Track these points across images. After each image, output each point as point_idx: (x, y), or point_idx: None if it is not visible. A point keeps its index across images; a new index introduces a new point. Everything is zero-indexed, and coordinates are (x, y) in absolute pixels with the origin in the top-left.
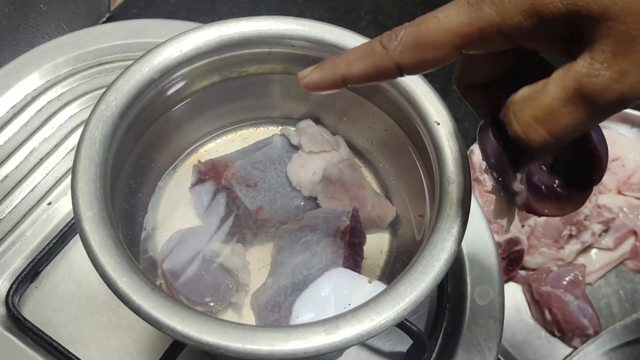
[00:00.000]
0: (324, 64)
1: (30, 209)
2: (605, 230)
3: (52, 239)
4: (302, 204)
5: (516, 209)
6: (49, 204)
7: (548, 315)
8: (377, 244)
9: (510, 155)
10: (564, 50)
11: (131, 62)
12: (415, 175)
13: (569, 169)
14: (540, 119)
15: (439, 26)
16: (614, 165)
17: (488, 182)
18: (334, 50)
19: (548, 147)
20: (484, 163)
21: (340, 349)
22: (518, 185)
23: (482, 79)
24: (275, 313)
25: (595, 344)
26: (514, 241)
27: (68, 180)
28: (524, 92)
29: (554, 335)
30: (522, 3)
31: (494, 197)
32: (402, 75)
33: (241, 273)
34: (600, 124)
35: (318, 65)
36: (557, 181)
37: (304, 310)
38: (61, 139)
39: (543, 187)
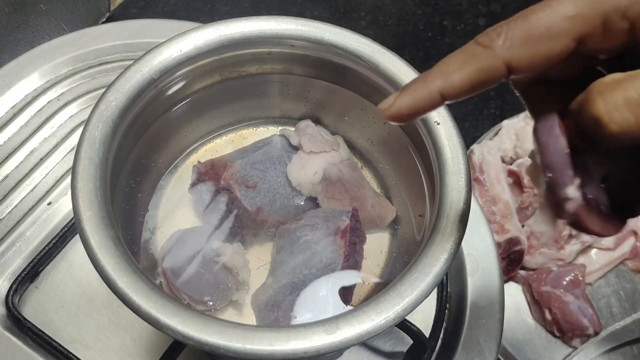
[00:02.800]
0: (410, 85)
1: (30, 209)
2: None
3: (52, 239)
4: (302, 204)
5: (555, 224)
6: (49, 204)
7: (548, 315)
8: (377, 244)
9: (571, 155)
10: None
11: (131, 62)
12: (415, 175)
13: (615, 191)
14: (632, 102)
15: (554, 13)
16: None
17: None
18: (334, 50)
19: (627, 136)
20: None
21: (340, 349)
22: (574, 191)
23: (550, 76)
24: (274, 312)
25: (595, 344)
26: (514, 241)
27: (68, 180)
28: (616, 76)
29: (554, 335)
30: None
31: (493, 197)
32: (508, 78)
33: (241, 272)
34: None
35: (402, 89)
36: (603, 200)
37: (302, 311)
38: (61, 139)
39: (593, 201)
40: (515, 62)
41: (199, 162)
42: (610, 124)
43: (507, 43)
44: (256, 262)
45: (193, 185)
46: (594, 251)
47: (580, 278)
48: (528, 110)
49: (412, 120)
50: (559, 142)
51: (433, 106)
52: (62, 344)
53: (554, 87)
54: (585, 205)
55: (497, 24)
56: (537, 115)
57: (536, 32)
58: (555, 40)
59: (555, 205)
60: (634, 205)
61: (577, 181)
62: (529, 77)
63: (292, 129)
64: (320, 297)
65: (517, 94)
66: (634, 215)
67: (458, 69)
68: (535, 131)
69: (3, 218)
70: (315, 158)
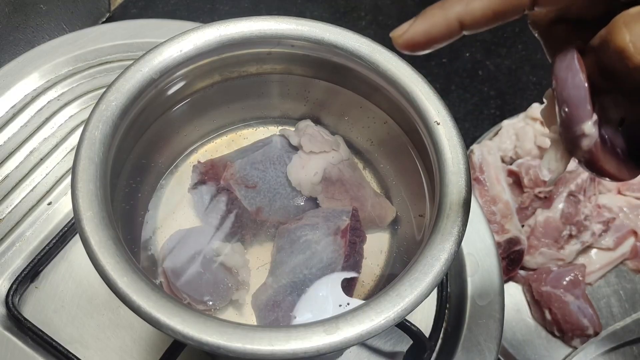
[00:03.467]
0: (427, 11)
1: (30, 209)
2: (605, 230)
3: (52, 239)
4: (302, 204)
5: (567, 162)
6: (49, 204)
7: (548, 315)
8: (377, 244)
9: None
10: None
11: (131, 62)
12: (415, 175)
13: (632, 136)
14: None
15: None
16: None
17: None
18: (334, 50)
19: None
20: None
21: (340, 349)
22: (591, 127)
23: (571, 14)
24: (274, 312)
25: (595, 344)
26: (514, 241)
27: (68, 180)
28: None
29: (554, 335)
30: None
31: (493, 197)
32: (532, 9)
33: (241, 271)
34: None
35: (418, 15)
36: (620, 143)
37: (302, 310)
38: (61, 139)
39: (609, 141)
40: None
41: (199, 162)
42: (635, 55)
43: None
44: (256, 262)
45: (193, 185)
46: (594, 251)
47: (580, 278)
48: (546, 51)
49: (426, 49)
50: (578, 75)
51: (450, 35)
52: (62, 343)
53: (574, 26)
54: (601, 144)
55: None
56: (554, 55)
57: None
58: None
59: (570, 142)
60: None
61: (594, 117)
62: (549, 15)
63: (292, 129)
64: (320, 297)
65: (536, 35)
66: None
67: None
68: (554, 66)
69: (3, 218)
70: (315, 158)
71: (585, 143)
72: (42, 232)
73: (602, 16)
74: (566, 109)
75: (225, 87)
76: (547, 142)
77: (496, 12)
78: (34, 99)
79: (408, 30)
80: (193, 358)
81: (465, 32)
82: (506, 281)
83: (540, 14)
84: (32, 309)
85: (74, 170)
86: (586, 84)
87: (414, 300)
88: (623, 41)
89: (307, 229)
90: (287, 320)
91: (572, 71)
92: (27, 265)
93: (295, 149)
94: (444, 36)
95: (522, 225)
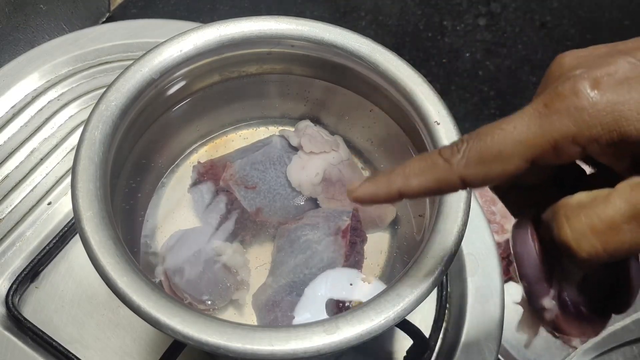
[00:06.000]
0: (377, 178)
1: (30, 209)
2: None
3: (52, 239)
4: (302, 204)
5: (538, 328)
6: (49, 204)
7: None
8: (377, 244)
9: (545, 266)
10: (631, 168)
11: (131, 62)
12: None
13: (595, 291)
14: (597, 230)
15: (506, 138)
16: None
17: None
18: (334, 50)
19: (596, 261)
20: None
21: (340, 349)
22: (550, 302)
23: (524, 182)
24: (274, 312)
25: (595, 344)
26: None
27: (68, 180)
28: (581, 197)
29: (554, 335)
30: (604, 117)
31: (493, 197)
32: (464, 189)
33: (241, 271)
34: None
35: (369, 178)
36: (583, 301)
37: (302, 310)
38: (61, 139)
39: (571, 306)
40: (470, 178)
41: (198, 162)
42: (578, 251)
43: (463, 161)
44: (256, 262)
45: (193, 185)
46: None
47: None
48: (508, 210)
49: (371, 205)
50: (532, 255)
51: (390, 200)
52: (62, 343)
53: (530, 191)
54: (562, 313)
55: (460, 138)
56: (516, 216)
57: (489, 153)
58: (507, 161)
59: (534, 313)
60: (615, 302)
61: (552, 292)
62: (502, 184)
63: (292, 129)
64: (320, 297)
65: (496, 196)
66: (616, 312)
67: (418, 174)
68: (511, 238)
69: (3, 218)
70: (315, 159)
71: (547, 316)
72: (42, 232)
73: (555, 175)
74: (525, 284)
75: (225, 87)
76: None
77: (430, 190)
78: (34, 99)
79: (358, 189)
80: (193, 358)
81: (405, 199)
82: (506, 281)
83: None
84: (32, 309)
85: (74, 170)
86: (539, 263)
87: (414, 300)
88: (566, 237)
89: (307, 229)
90: (287, 319)
91: (527, 248)
92: (27, 265)
93: (295, 149)
94: (385, 201)
95: None
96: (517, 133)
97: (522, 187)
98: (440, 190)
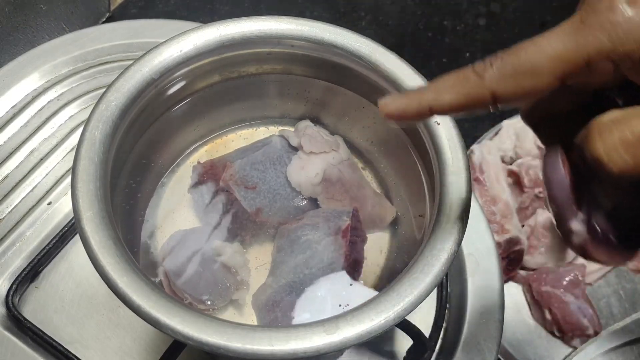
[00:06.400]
0: (409, 93)
1: (30, 209)
2: None
3: (52, 239)
4: (302, 205)
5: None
6: (49, 204)
7: (548, 315)
8: (377, 244)
9: (575, 192)
10: None
11: (131, 62)
12: (415, 175)
13: (624, 222)
14: (629, 143)
15: (541, 52)
16: None
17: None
18: (334, 50)
19: (627, 178)
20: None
21: (340, 349)
22: (577, 225)
23: (557, 110)
24: (274, 312)
25: (595, 344)
26: (514, 241)
27: (68, 180)
28: (614, 114)
29: (554, 335)
30: (638, 31)
31: (493, 197)
32: (496, 107)
33: (240, 271)
34: None
35: (401, 93)
36: (612, 230)
37: (302, 310)
38: (61, 139)
39: (600, 233)
40: (501, 93)
41: (198, 162)
42: (609, 165)
43: (496, 75)
44: (256, 262)
45: (193, 185)
46: None
47: (580, 278)
48: (540, 141)
49: (402, 121)
50: (562, 178)
51: (421, 116)
52: (62, 343)
53: (561, 119)
54: (590, 237)
55: (494, 54)
56: (548, 145)
57: (522, 68)
58: (539, 77)
59: (563, 235)
60: None
61: (580, 215)
62: (535, 111)
63: (292, 129)
64: (320, 297)
65: (528, 127)
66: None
67: (450, 89)
68: (542, 164)
69: (3, 218)
70: (315, 159)
71: (575, 239)
72: (42, 232)
73: (588, 104)
74: (554, 207)
75: (225, 87)
76: None
77: (461, 105)
78: (34, 99)
79: (390, 104)
80: (193, 358)
81: (436, 115)
82: (506, 281)
83: (528, 111)
84: (32, 309)
85: (74, 170)
86: (569, 185)
87: (414, 300)
88: (598, 151)
89: (307, 229)
90: (287, 319)
91: (557, 173)
92: (27, 265)
93: (295, 149)
94: (416, 117)
95: (522, 225)
96: (552, 48)
97: (554, 117)
98: (471, 105)
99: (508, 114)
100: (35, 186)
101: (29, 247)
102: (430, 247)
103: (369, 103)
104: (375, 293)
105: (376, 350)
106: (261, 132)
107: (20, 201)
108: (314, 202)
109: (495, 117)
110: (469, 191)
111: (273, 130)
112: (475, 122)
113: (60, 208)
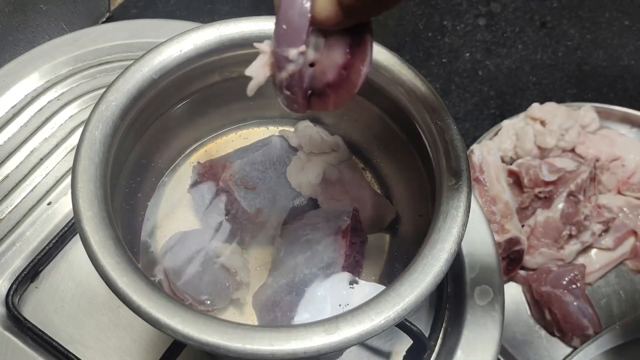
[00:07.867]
0: None
1: (30, 209)
2: (605, 230)
3: (52, 239)
4: (302, 205)
5: (267, 74)
6: (49, 204)
7: (548, 315)
8: (377, 244)
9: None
10: None
11: (131, 62)
12: (415, 175)
13: (313, 80)
14: None
15: None
16: (614, 165)
17: (484, 178)
18: None
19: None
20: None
21: (340, 349)
22: (296, 55)
23: None
24: (274, 312)
25: (595, 344)
26: (514, 241)
27: (68, 180)
28: None
29: (554, 335)
30: None
31: (493, 197)
32: None
33: (240, 272)
34: (599, 123)
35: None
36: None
37: (301, 310)
38: (61, 139)
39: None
40: None
41: (198, 162)
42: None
43: None
44: (255, 262)
45: (193, 185)
46: (594, 251)
47: (580, 278)
48: None
49: None
50: (307, 4)
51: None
52: (62, 343)
53: None
54: (297, 76)
55: None
56: None
57: None
58: None
59: (277, 60)
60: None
61: (303, 48)
62: None
63: (292, 129)
64: (320, 297)
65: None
66: (318, 108)
67: None
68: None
69: (3, 218)
70: (315, 159)
71: (290, 67)
72: (42, 232)
73: None
74: (283, 27)
75: (225, 87)
76: (547, 142)
77: None
78: (34, 99)
79: None
80: (193, 358)
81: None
82: (506, 281)
83: None
84: (32, 309)
85: (74, 170)
86: (310, 16)
87: (414, 300)
88: None
89: (307, 229)
90: (287, 319)
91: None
92: (27, 265)
93: (295, 149)
94: None
95: (522, 225)
96: None
97: None
98: None
99: (508, 114)
100: (35, 186)
101: (29, 247)
102: (430, 247)
103: (369, 103)
104: (382, 287)
105: (376, 350)
106: (261, 132)
107: (20, 201)
108: (314, 203)
109: (495, 117)
110: (469, 191)
111: (273, 130)
112: (475, 122)
113: (60, 208)
